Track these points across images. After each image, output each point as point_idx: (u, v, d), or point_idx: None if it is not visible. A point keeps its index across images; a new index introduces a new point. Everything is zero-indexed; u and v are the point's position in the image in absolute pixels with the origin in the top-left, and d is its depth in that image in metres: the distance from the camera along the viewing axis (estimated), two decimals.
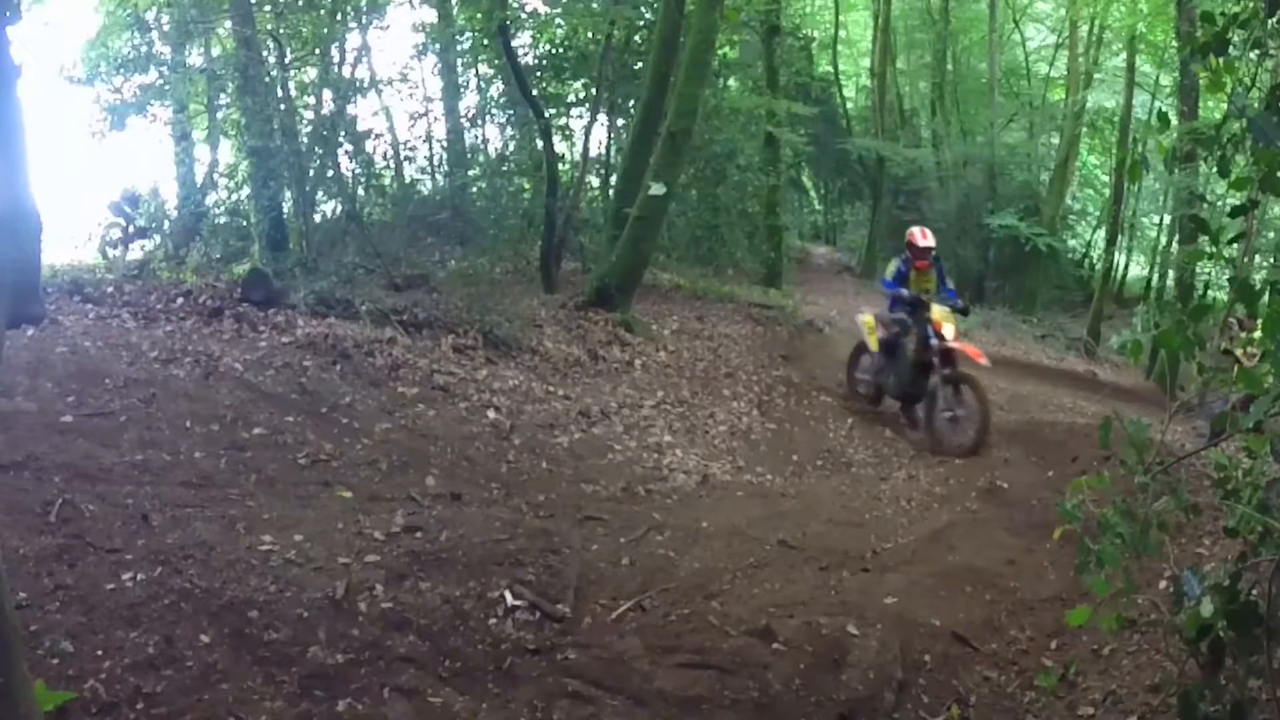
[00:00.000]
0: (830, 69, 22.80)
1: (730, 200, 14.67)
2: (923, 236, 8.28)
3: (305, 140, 10.68)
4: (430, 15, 14.75)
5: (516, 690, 3.29)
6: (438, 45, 14.39)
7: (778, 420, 8.43)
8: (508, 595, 3.78)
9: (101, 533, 3.65)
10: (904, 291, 8.03)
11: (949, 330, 7.67)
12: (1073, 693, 3.45)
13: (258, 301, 7.42)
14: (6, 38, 2.38)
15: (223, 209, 11.77)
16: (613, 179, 13.43)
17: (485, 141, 16.23)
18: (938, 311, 7.80)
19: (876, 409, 8.68)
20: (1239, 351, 8.54)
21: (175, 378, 5.69)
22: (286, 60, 11.42)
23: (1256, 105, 2.34)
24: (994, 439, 7.32)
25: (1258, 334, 2.33)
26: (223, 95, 13.27)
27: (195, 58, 14.01)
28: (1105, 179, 23.71)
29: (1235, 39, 2.41)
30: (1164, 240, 19.40)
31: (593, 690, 3.33)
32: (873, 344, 8.45)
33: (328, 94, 11.68)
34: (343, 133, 10.74)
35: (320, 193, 11.20)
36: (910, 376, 7.92)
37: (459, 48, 14.85)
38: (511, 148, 15.14)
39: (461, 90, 15.49)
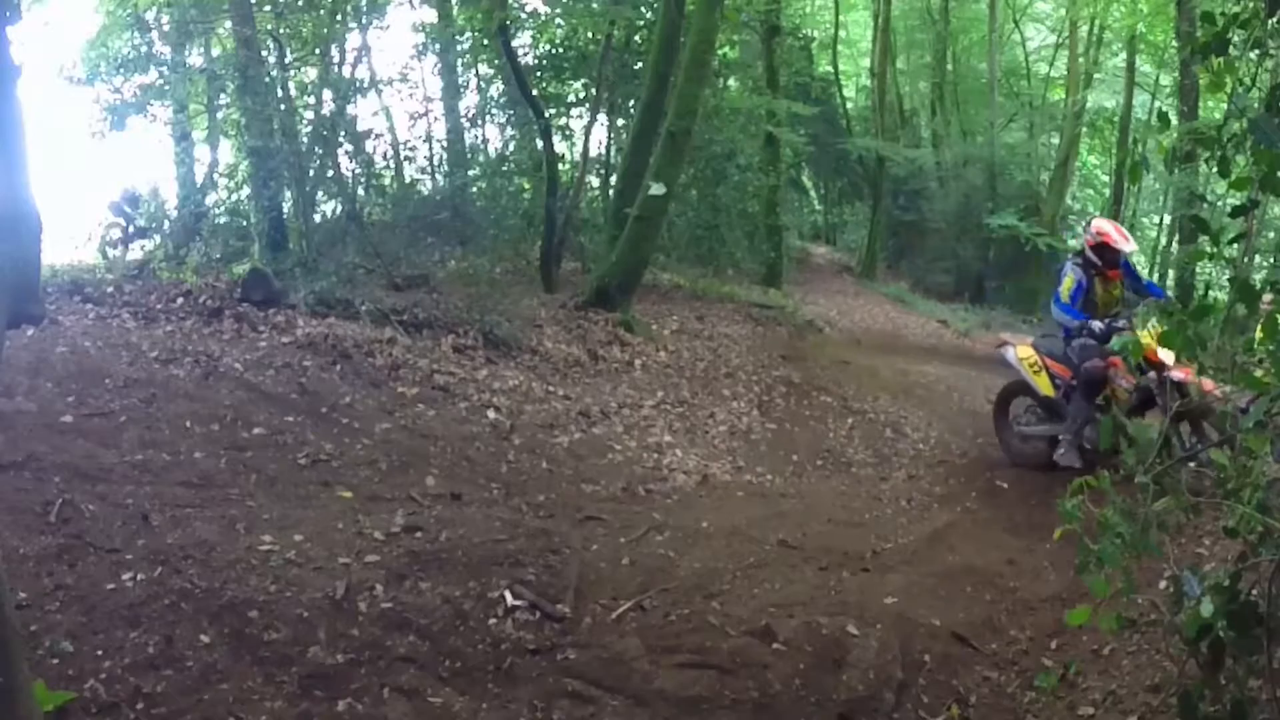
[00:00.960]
0: (830, 69, 22.81)
1: (730, 200, 14.69)
2: (1121, 236, 6.17)
3: (305, 140, 10.70)
4: (430, 15, 14.80)
5: (516, 690, 3.29)
6: (438, 45, 14.42)
7: (778, 420, 8.42)
8: (508, 595, 3.78)
9: (101, 533, 3.66)
10: (1094, 324, 5.88)
11: (1168, 354, 5.28)
12: (1073, 693, 3.44)
13: (258, 301, 7.42)
14: (6, 38, 2.39)
15: (223, 209, 11.79)
16: (613, 179, 13.44)
17: (485, 141, 16.29)
18: (1148, 333, 5.41)
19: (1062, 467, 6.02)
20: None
21: (175, 378, 5.69)
22: (286, 60, 11.46)
23: (1257, 105, 2.33)
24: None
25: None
26: (223, 95, 13.31)
27: (195, 58, 14.08)
28: (1105, 179, 23.76)
29: (1235, 39, 2.41)
30: (1164, 240, 19.42)
31: (593, 690, 3.33)
32: (1042, 386, 6.28)
33: (328, 94, 11.71)
34: (343, 133, 10.75)
35: (320, 193, 11.23)
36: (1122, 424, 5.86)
37: (459, 48, 14.88)
38: (511, 148, 15.16)
39: (461, 90, 15.53)
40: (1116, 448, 4.90)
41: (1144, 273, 22.23)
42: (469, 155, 15.69)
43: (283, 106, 10.68)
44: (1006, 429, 6.77)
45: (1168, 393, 5.41)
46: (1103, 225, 6.38)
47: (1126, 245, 6.19)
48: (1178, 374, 5.41)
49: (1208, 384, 5.52)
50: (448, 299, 8.60)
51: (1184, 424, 5.35)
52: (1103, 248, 6.15)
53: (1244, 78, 2.43)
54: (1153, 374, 5.62)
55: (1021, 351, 6.48)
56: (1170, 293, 16.79)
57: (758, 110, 15.37)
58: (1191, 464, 5.40)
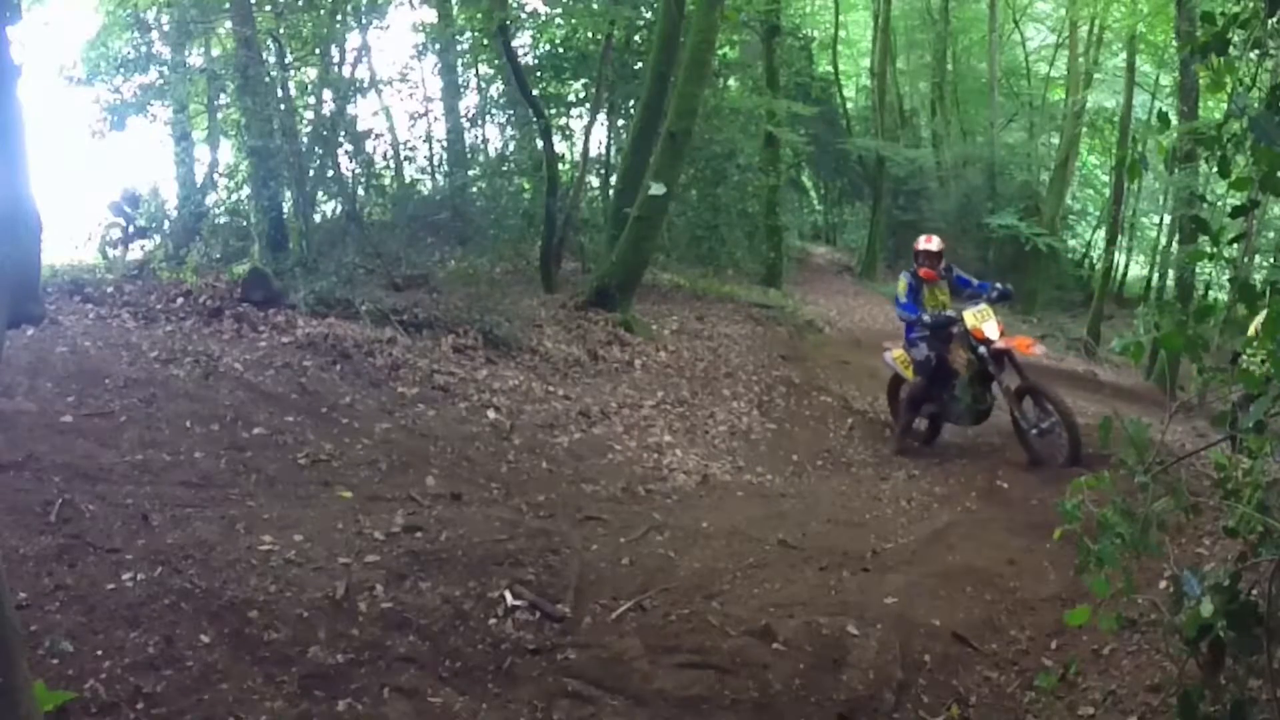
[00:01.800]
0: (830, 69, 22.81)
1: (730, 200, 14.69)
2: (927, 242, 7.43)
3: (305, 140, 10.69)
4: (430, 15, 14.78)
5: (516, 690, 3.29)
6: (438, 45, 14.41)
7: (778, 420, 8.42)
8: (508, 595, 3.78)
9: (101, 533, 3.65)
10: (925, 316, 7.10)
11: (992, 329, 6.84)
12: (1073, 693, 3.44)
13: (258, 301, 7.42)
14: (6, 38, 2.39)
15: (223, 209, 11.79)
16: (613, 179, 13.44)
17: (485, 141, 16.28)
18: (971, 316, 6.89)
19: (931, 444, 7.60)
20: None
21: (175, 378, 5.69)
22: (286, 60, 11.44)
23: (1257, 105, 2.33)
24: (999, 439, 7.30)
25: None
26: (223, 95, 13.29)
27: (195, 58, 14.04)
28: (1105, 179, 23.74)
29: (1235, 39, 2.41)
30: (1164, 240, 19.41)
31: (593, 690, 3.33)
32: (911, 376, 7.52)
33: (328, 94, 11.69)
34: (343, 133, 10.75)
35: (320, 193, 11.21)
36: (972, 392, 6.94)
37: (459, 48, 14.88)
38: (511, 148, 15.16)
39: (461, 90, 15.52)
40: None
41: (1143, 272, 22.25)
42: (469, 155, 15.68)
43: (283, 106, 10.67)
44: (897, 410, 7.97)
45: (992, 361, 6.81)
46: (920, 238, 7.63)
47: (924, 244, 7.40)
48: (999, 345, 6.81)
49: (1020, 341, 6.95)
50: (448, 299, 8.60)
51: (1026, 401, 6.70)
52: (916, 254, 7.40)
53: (1244, 78, 2.43)
54: (982, 349, 6.84)
55: (895, 352, 7.76)
56: (1170, 293, 16.80)
57: (758, 110, 15.36)
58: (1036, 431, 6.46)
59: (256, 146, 10.43)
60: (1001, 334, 6.89)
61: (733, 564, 4.52)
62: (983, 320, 6.88)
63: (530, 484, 5.62)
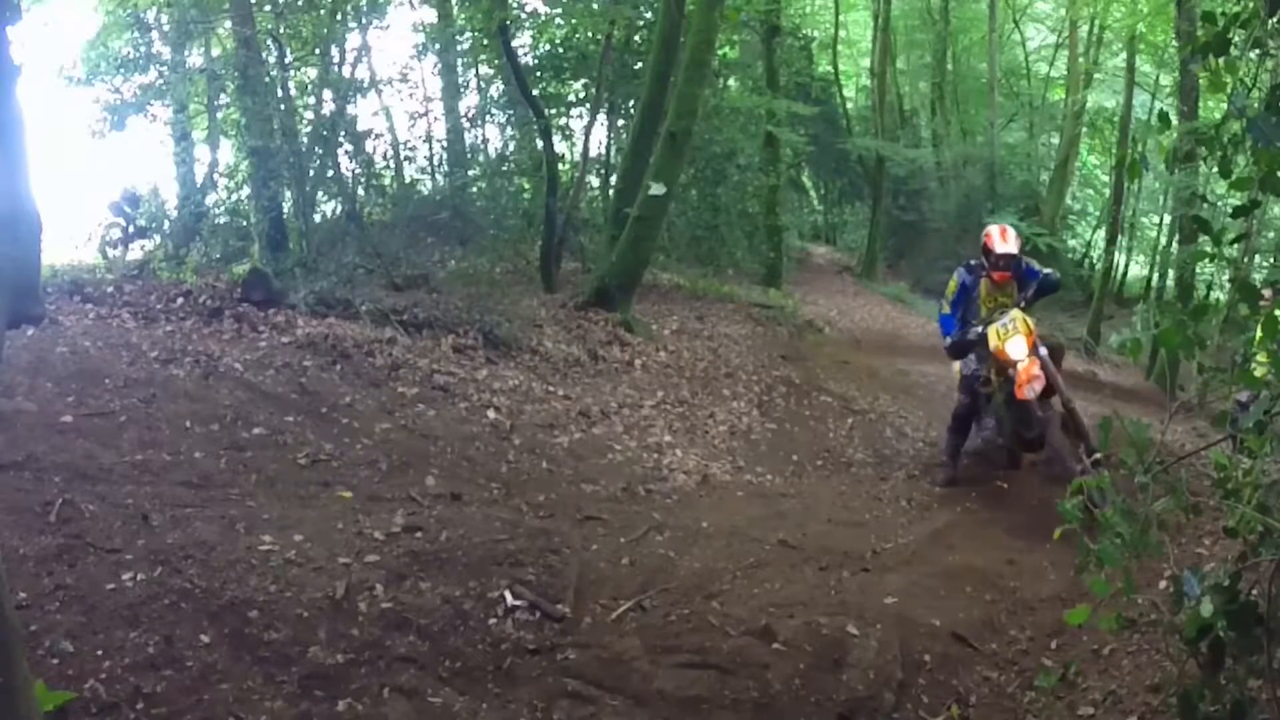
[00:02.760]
0: (830, 69, 22.81)
1: (730, 200, 14.69)
2: (1002, 239, 6.22)
3: (305, 140, 10.69)
4: (430, 15, 14.80)
5: (516, 690, 3.29)
6: (438, 45, 14.41)
7: (778, 420, 8.42)
8: (508, 595, 3.78)
9: (101, 533, 3.65)
10: (946, 340, 6.37)
11: (1018, 347, 5.84)
12: (1073, 693, 3.44)
13: (258, 301, 7.41)
14: (6, 38, 2.39)
15: (223, 209, 11.79)
16: (613, 179, 13.44)
17: (485, 141, 16.27)
18: (995, 335, 5.95)
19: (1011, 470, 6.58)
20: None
21: (175, 378, 5.68)
22: (286, 60, 11.45)
23: (1256, 106, 2.33)
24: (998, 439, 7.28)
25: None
26: (223, 95, 13.29)
27: (195, 58, 14.05)
28: (1105, 179, 23.74)
29: (1235, 39, 2.41)
30: (1164, 240, 19.40)
31: (593, 690, 3.33)
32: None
33: (328, 94, 11.69)
34: (343, 133, 10.74)
35: (320, 193, 11.22)
36: (1016, 416, 6.07)
37: (459, 48, 14.87)
38: (511, 148, 15.16)
39: (461, 90, 15.51)
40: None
41: (1143, 272, 22.23)
42: (469, 155, 15.68)
43: (283, 106, 10.68)
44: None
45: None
46: (989, 228, 6.48)
47: (1001, 245, 6.21)
48: (1023, 367, 5.87)
49: (1021, 378, 5.86)
50: (448, 299, 8.59)
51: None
52: (986, 250, 6.26)
53: (1244, 78, 2.43)
54: (1011, 371, 5.94)
55: (956, 369, 6.82)
56: (1170, 293, 16.79)
57: (758, 110, 15.36)
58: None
59: (256, 146, 10.44)
60: (1032, 348, 5.90)
61: (733, 564, 4.52)
62: (1007, 338, 5.89)
63: (530, 484, 5.61)
